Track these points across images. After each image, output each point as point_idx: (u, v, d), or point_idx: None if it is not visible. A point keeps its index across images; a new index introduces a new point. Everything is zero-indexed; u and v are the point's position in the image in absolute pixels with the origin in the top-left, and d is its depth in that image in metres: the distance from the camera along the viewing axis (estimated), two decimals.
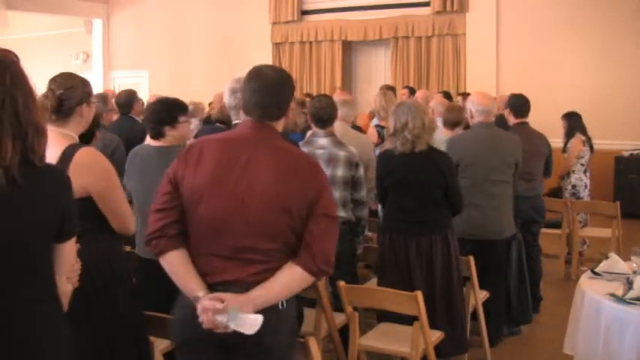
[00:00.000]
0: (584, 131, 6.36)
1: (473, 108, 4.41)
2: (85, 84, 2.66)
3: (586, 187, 6.31)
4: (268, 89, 2.24)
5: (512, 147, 4.37)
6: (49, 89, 2.58)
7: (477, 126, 4.41)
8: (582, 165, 6.29)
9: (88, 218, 2.46)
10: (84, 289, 2.42)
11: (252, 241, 2.13)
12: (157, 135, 3.37)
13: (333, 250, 2.19)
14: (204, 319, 2.06)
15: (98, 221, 2.57)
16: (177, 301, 2.25)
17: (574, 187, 6.29)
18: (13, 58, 1.80)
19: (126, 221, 2.63)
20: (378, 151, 4.82)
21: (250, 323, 2.04)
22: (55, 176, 1.85)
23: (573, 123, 6.39)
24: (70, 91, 2.58)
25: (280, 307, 2.16)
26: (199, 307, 2.07)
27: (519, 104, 5.24)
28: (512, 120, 5.25)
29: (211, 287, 2.12)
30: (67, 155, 2.47)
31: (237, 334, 2.06)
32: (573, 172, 6.29)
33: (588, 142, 6.33)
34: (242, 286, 2.10)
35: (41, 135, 1.79)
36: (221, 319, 2.04)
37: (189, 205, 2.16)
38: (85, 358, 2.46)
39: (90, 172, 2.49)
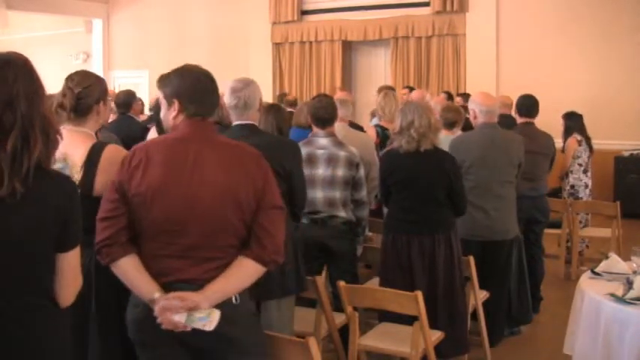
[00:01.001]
0: (582, 131, 6.32)
1: (476, 108, 4.35)
2: (100, 82, 2.66)
3: (586, 187, 6.28)
4: (208, 88, 2.31)
5: (516, 147, 4.36)
6: (67, 88, 2.57)
7: (481, 126, 4.36)
8: (580, 165, 6.26)
9: None
10: (108, 284, 2.41)
11: (206, 238, 2.15)
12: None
13: (282, 240, 2.24)
14: (163, 319, 2.07)
15: None
16: (130, 300, 2.25)
17: (572, 187, 6.27)
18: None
19: None
20: (376, 152, 4.82)
21: (210, 319, 2.06)
22: (59, 182, 1.84)
23: (571, 123, 6.36)
24: (88, 90, 2.57)
25: (234, 301, 2.18)
26: (157, 308, 2.07)
27: (524, 104, 5.24)
28: (518, 119, 5.25)
29: (165, 287, 2.12)
30: (96, 153, 2.48)
31: (196, 331, 2.07)
32: (571, 172, 6.26)
33: (586, 141, 6.28)
34: (197, 283, 2.12)
35: (56, 139, 1.80)
36: (178, 318, 2.05)
37: (140, 208, 2.16)
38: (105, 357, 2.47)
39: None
